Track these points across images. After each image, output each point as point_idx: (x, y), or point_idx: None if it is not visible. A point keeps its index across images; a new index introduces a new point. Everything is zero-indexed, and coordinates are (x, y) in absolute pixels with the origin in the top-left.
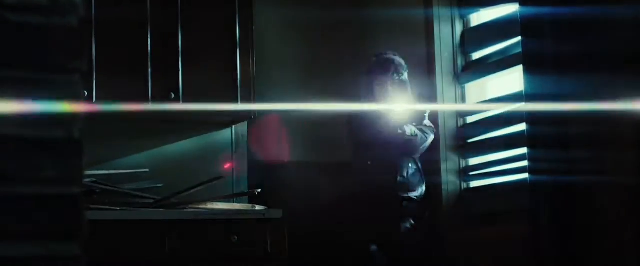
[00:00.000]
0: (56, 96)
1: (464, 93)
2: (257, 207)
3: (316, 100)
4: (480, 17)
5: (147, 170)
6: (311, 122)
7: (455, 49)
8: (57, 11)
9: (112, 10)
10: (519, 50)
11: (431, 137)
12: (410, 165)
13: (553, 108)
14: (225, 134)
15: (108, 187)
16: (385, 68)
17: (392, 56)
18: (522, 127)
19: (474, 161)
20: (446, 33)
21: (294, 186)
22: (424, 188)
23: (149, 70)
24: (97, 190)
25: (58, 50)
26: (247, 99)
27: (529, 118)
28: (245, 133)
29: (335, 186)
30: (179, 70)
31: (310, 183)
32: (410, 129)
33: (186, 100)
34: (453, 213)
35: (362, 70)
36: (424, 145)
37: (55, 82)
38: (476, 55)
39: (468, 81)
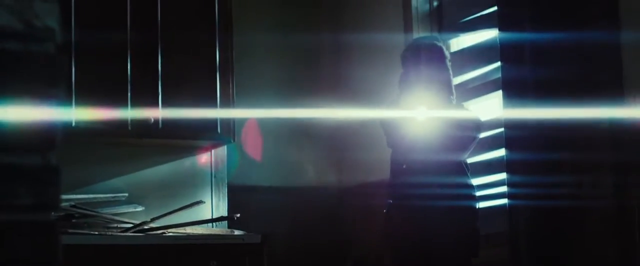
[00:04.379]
0: (33, 122)
1: None
2: (236, 232)
3: (295, 124)
4: (460, 42)
5: (126, 194)
6: (290, 145)
7: None
8: (34, 38)
9: (92, 35)
10: (499, 75)
11: (479, 135)
12: (454, 168)
13: (532, 133)
14: (205, 158)
15: (87, 211)
16: (433, 54)
17: (435, 42)
18: (501, 152)
19: None
20: None
21: (273, 211)
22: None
23: (129, 94)
24: (76, 214)
25: (35, 77)
26: (227, 121)
27: (508, 143)
28: (225, 157)
29: (314, 210)
30: (158, 94)
31: (289, 208)
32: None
33: (166, 124)
34: None
35: (403, 56)
36: (471, 145)
37: (32, 109)
38: (456, 80)
39: None
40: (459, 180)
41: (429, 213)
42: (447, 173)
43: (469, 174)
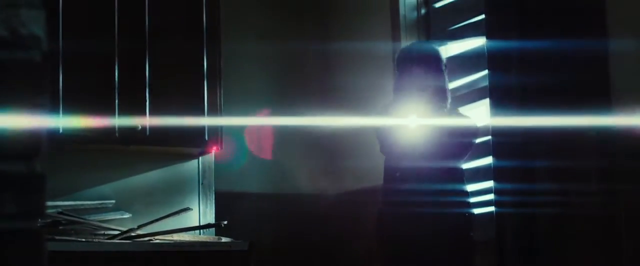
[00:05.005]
0: (17, 130)
1: None
2: (223, 239)
3: (283, 131)
4: (448, 50)
5: (113, 201)
6: (278, 152)
7: None
8: (20, 46)
9: (79, 42)
10: (486, 83)
11: (475, 141)
12: (448, 175)
13: (519, 141)
14: (192, 165)
15: (74, 218)
16: (427, 59)
17: (430, 46)
18: (488, 159)
19: None
20: None
21: (260, 218)
22: (468, 201)
23: (116, 101)
24: (63, 221)
25: (21, 85)
26: (214, 130)
27: (495, 150)
28: (212, 164)
29: (302, 217)
30: (146, 102)
31: (277, 215)
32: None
33: (153, 131)
34: None
35: (397, 61)
36: (467, 151)
37: (17, 116)
38: None
39: None
40: (453, 187)
41: (421, 220)
42: (441, 180)
43: (464, 181)
